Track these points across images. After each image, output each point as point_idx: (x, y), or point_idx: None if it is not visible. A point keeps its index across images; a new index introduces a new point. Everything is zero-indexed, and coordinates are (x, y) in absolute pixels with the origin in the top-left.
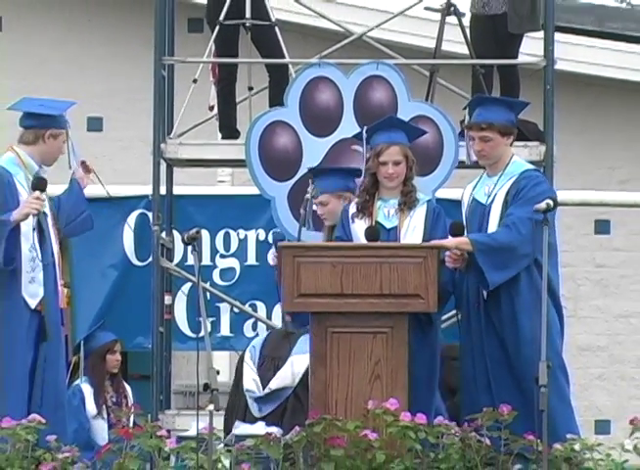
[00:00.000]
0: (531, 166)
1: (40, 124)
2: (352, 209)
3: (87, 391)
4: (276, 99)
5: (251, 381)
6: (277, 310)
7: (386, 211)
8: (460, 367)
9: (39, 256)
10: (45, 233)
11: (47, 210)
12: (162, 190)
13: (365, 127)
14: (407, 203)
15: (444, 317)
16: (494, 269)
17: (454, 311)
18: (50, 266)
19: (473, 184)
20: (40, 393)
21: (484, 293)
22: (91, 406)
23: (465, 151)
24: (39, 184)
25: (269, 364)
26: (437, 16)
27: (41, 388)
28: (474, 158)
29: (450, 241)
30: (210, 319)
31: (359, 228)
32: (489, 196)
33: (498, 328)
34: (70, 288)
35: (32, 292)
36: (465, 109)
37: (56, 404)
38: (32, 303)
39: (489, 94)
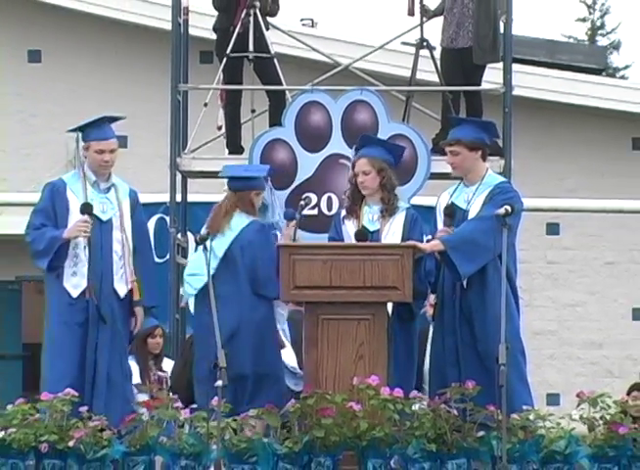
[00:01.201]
0: (505, 180)
1: (82, 139)
2: (343, 212)
3: (134, 368)
4: (275, 120)
5: (294, 360)
6: None
7: (370, 216)
8: (431, 346)
9: (86, 253)
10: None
11: (116, 214)
12: (178, 198)
13: (354, 147)
14: (388, 210)
15: None
16: (464, 261)
17: None
18: (106, 261)
19: (449, 191)
20: (93, 371)
21: (464, 283)
22: (137, 382)
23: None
24: (86, 209)
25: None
26: (412, 49)
27: (93, 366)
28: None
29: (425, 245)
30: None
31: (349, 228)
32: (469, 203)
33: (468, 314)
34: None
35: (74, 283)
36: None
37: (109, 381)
38: (74, 292)
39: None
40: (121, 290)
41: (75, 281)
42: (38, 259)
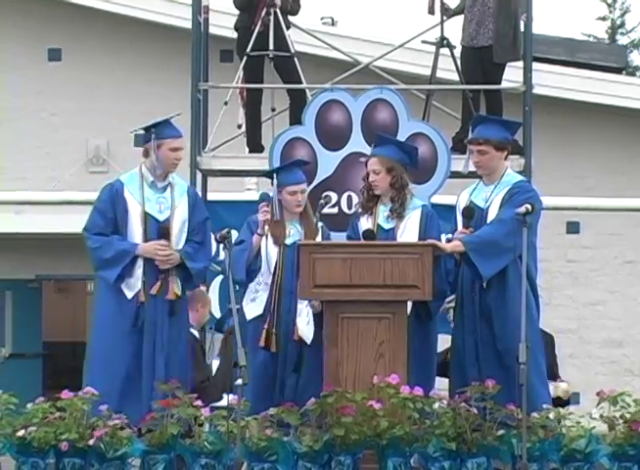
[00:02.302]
0: (523, 178)
1: (144, 139)
2: (359, 210)
3: None
4: (295, 119)
5: None
6: None
7: (385, 214)
8: (452, 345)
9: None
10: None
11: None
12: None
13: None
14: (397, 209)
15: None
16: (485, 263)
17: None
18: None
19: (469, 190)
20: (152, 372)
21: (484, 283)
22: None
23: (464, 162)
24: (164, 232)
25: None
26: (433, 48)
27: (152, 367)
28: (469, 168)
29: (447, 245)
30: (238, 306)
31: (364, 227)
32: (487, 201)
33: (488, 313)
34: None
35: (129, 285)
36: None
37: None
38: (129, 294)
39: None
40: (177, 288)
41: (131, 282)
42: (104, 269)
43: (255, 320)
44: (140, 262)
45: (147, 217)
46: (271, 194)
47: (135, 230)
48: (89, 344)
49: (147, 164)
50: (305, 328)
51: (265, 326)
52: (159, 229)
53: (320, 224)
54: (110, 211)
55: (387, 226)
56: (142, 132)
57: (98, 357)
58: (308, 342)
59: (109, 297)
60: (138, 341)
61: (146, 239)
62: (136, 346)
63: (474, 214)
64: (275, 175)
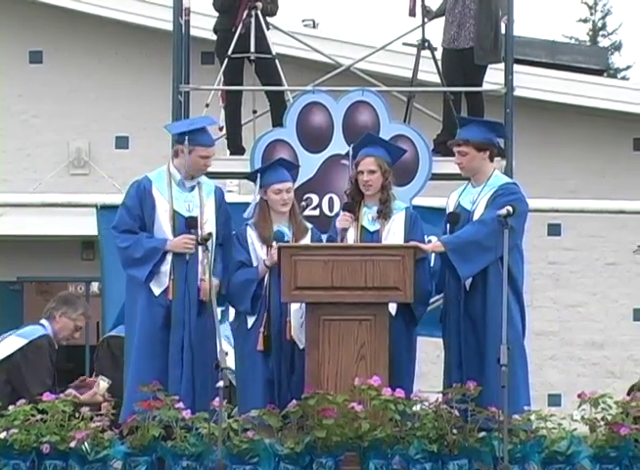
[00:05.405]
0: (510, 180)
1: (177, 141)
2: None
3: None
4: (276, 121)
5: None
6: None
7: (369, 217)
8: (443, 346)
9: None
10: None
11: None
12: None
13: (352, 145)
14: (384, 211)
15: None
16: (464, 263)
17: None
18: (191, 263)
19: (458, 192)
20: (180, 371)
21: (467, 286)
22: None
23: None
24: (191, 223)
25: None
26: (414, 50)
27: (180, 368)
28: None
29: (426, 245)
30: (220, 309)
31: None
32: (474, 203)
33: (473, 316)
34: (101, 282)
35: (158, 282)
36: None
37: (195, 382)
38: (157, 291)
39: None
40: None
41: (159, 279)
42: (134, 268)
43: (254, 326)
44: (168, 258)
45: (175, 215)
46: (283, 230)
47: (164, 228)
48: (125, 343)
49: (175, 163)
50: (298, 330)
51: (261, 330)
52: (186, 221)
53: (310, 226)
54: (137, 207)
55: (372, 228)
56: (175, 134)
57: (134, 356)
58: (301, 345)
59: (139, 295)
60: (167, 340)
61: (175, 237)
62: (166, 344)
63: (459, 220)
64: (259, 175)
